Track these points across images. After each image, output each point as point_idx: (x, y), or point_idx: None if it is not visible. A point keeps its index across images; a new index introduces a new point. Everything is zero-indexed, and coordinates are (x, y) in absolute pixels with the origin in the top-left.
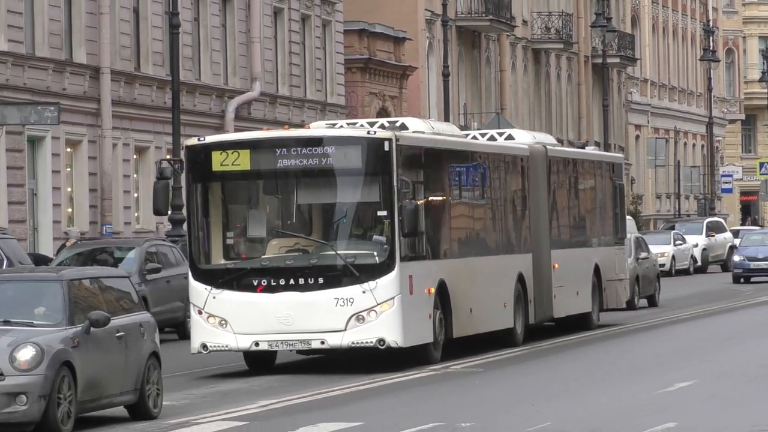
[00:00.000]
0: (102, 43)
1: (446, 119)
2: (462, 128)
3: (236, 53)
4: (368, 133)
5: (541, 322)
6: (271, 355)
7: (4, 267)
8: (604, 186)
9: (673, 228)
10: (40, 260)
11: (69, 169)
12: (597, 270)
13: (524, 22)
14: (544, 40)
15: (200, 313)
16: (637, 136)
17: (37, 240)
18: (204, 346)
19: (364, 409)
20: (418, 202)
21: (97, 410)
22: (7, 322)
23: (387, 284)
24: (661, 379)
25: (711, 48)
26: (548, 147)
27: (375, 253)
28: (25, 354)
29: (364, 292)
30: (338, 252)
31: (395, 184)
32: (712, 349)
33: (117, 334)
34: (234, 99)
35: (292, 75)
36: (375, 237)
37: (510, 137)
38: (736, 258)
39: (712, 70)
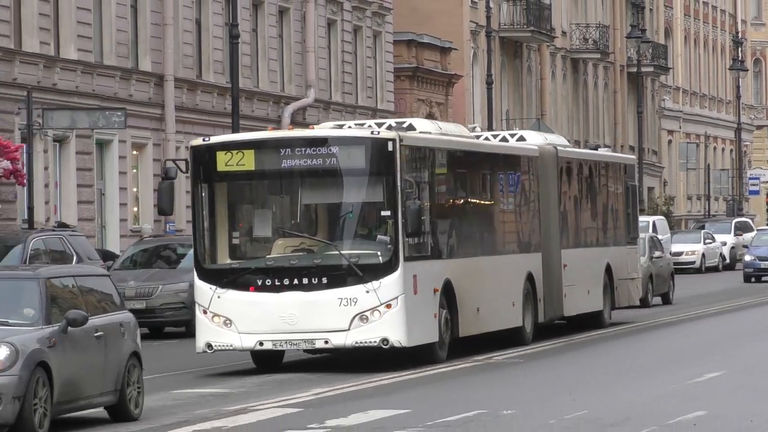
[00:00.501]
0: (166, 53)
1: (489, 125)
2: (512, 136)
3: (292, 62)
4: (372, 133)
5: (551, 321)
6: (278, 353)
7: (73, 263)
8: (616, 186)
9: (703, 227)
10: (107, 256)
11: (135, 171)
12: (609, 269)
13: (563, 33)
14: (582, 50)
15: (205, 312)
16: (670, 141)
17: (104, 237)
18: (209, 346)
19: (410, 398)
20: (423, 202)
21: (74, 411)
22: None
23: (390, 284)
24: (690, 371)
25: (740, 58)
26: (559, 148)
27: (379, 253)
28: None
29: (367, 291)
30: (342, 252)
31: (399, 184)
32: (734, 344)
33: (96, 334)
34: (290, 105)
35: (344, 82)
36: (379, 237)
37: (521, 138)
38: (747, 258)
39: (740, 79)
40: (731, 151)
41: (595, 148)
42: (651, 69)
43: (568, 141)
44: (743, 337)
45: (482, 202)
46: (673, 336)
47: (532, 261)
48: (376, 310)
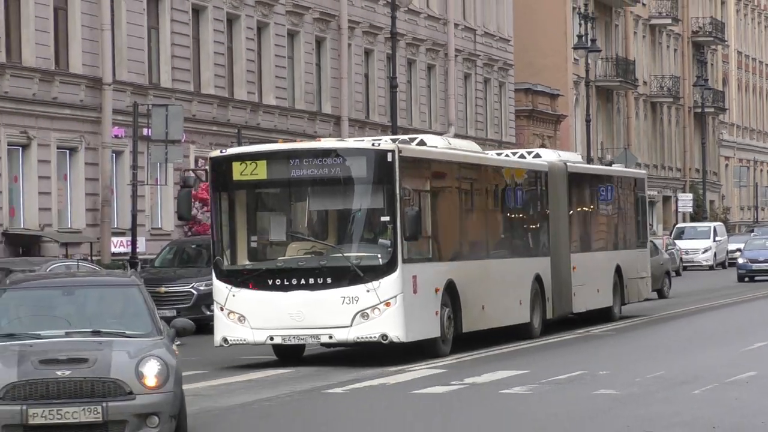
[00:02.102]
0: (342, 98)
1: (588, 154)
2: (599, 159)
3: (437, 105)
4: (372, 145)
5: (560, 317)
6: (299, 347)
7: None
8: (626, 198)
9: (752, 231)
10: None
11: None
12: (619, 270)
13: (644, 82)
14: (658, 95)
15: (222, 309)
16: (726, 165)
17: None
18: (225, 340)
19: (528, 362)
20: (421, 209)
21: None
22: (97, 333)
23: (390, 284)
24: (740, 342)
25: None
26: (569, 163)
27: (379, 255)
28: (152, 369)
29: (368, 291)
30: (345, 254)
31: (398, 191)
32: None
33: (177, 343)
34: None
35: (477, 121)
36: (379, 240)
37: (537, 156)
38: (741, 260)
39: None
40: None
41: (610, 164)
42: (712, 110)
43: (646, 165)
44: None
45: (486, 209)
46: (717, 318)
47: (540, 264)
48: (376, 308)
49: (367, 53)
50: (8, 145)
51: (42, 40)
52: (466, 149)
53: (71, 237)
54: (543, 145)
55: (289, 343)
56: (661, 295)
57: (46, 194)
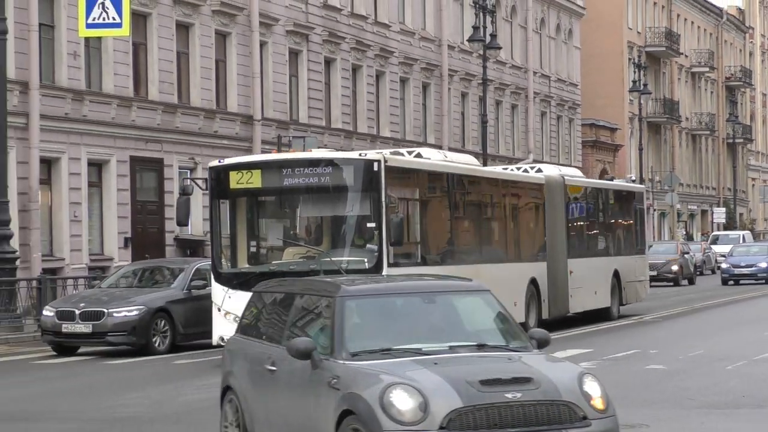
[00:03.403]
0: (443, 132)
1: (640, 177)
2: (650, 180)
3: (519, 137)
4: (360, 155)
5: (555, 317)
6: None
7: None
8: (624, 209)
9: None
10: None
11: None
12: (617, 274)
13: (686, 118)
14: (698, 128)
15: (219, 310)
16: (753, 185)
17: None
18: (222, 339)
19: (590, 343)
20: (408, 216)
21: None
22: (483, 347)
23: None
24: (761, 327)
25: None
26: (566, 177)
27: (365, 260)
28: (596, 389)
29: None
30: (333, 258)
31: (383, 199)
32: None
33: None
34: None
35: (551, 149)
36: (366, 245)
37: (539, 170)
38: (724, 265)
39: None
40: None
41: (611, 180)
42: (741, 140)
43: (688, 185)
44: None
45: (478, 217)
46: (743, 308)
47: (536, 268)
48: None
49: (463, 95)
50: (179, 168)
51: (206, 85)
52: (461, 162)
53: None
54: (604, 170)
55: None
56: (691, 282)
57: (207, 207)
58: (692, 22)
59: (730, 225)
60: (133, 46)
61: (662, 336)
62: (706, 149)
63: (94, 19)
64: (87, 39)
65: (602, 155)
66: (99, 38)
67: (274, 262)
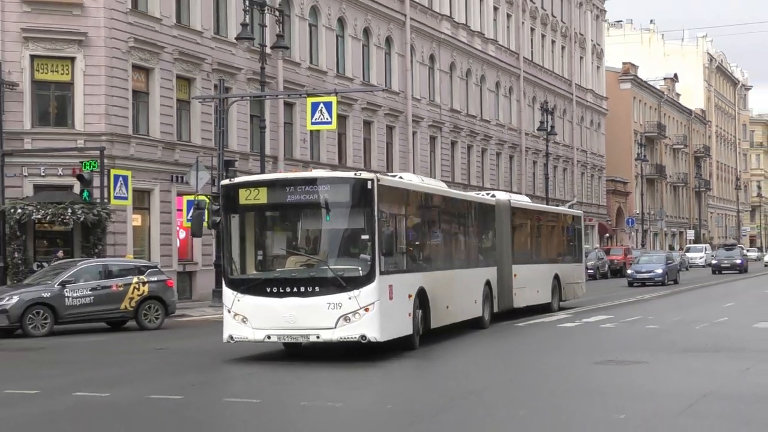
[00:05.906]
0: (500, 179)
1: (642, 216)
2: (646, 213)
3: (567, 187)
4: (355, 174)
5: (503, 311)
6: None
7: None
8: (564, 228)
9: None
10: None
11: None
12: (557, 277)
13: (670, 176)
14: (678, 182)
15: (229, 311)
16: (711, 216)
17: None
18: (231, 337)
19: (611, 310)
20: (396, 229)
21: None
22: None
23: (368, 292)
24: (716, 304)
25: None
26: (512, 200)
27: (359, 268)
28: None
29: (350, 298)
30: (331, 267)
31: (376, 214)
32: (733, 294)
33: None
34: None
35: (586, 194)
36: (360, 255)
37: (493, 195)
38: (629, 271)
39: None
40: None
41: (572, 206)
42: (704, 189)
43: (670, 216)
44: (734, 293)
45: (449, 231)
46: (704, 291)
47: (490, 272)
48: (356, 313)
49: (534, 163)
50: None
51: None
52: (433, 185)
53: None
54: (619, 209)
55: (283, 341)
56: (676, 282)
57: None
58: (673, 118)
59: (697, 240)
60: (338, 135)
61: (657, 308)
62: (683, 195)
63: (316, 119)
64: (311, 131)
65: (618, 198)
66: (318, 130)
67: (278, 269)
